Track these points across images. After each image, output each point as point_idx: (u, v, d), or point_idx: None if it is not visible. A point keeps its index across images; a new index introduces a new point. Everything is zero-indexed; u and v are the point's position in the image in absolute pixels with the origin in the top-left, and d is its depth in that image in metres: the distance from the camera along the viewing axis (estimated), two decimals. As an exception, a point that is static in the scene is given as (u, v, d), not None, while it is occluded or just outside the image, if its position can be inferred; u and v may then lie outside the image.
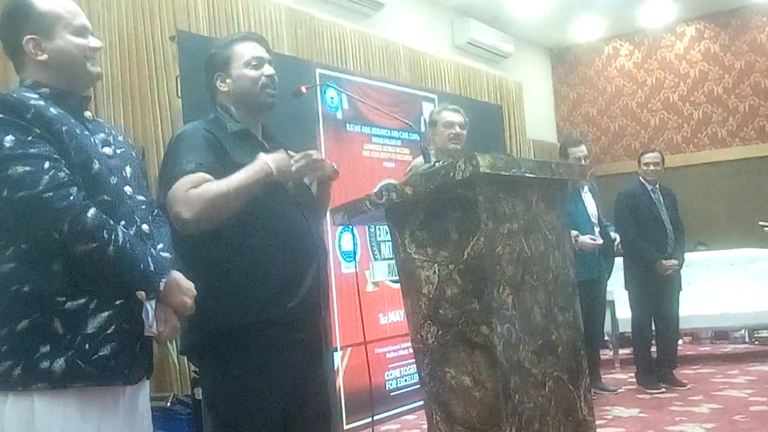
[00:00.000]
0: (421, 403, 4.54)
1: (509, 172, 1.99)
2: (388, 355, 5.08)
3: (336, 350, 4.64)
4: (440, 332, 2.07)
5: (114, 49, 4.21)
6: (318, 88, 4.77)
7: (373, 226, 5.07)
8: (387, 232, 4.61)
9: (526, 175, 2.06)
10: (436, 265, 2.06)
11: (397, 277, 5.40)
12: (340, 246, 4.85)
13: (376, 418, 4.67)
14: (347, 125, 4.97)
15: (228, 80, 2.27)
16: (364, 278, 4.98)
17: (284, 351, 2.15)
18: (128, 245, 1.73)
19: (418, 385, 4.89)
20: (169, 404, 4.09)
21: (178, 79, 4.10)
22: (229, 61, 2.28)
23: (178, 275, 1.86)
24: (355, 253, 4.87)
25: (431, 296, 2.07)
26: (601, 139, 9.40)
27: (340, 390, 4.62)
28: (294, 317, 2.16)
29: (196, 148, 2.09)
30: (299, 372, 2.19)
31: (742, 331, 7.37)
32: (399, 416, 4.95)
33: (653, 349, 5.49)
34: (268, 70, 2.27)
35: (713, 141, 8.73)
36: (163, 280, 1.80)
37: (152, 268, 1.77)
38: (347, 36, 6.03)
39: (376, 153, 5.21)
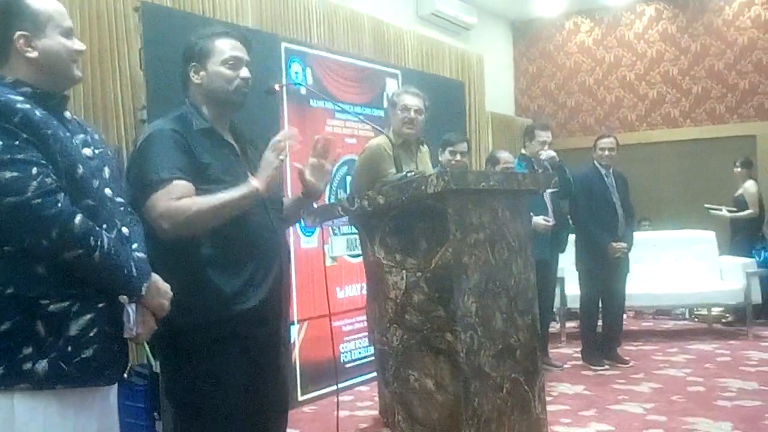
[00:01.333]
0: (374, 374, 4.70)
1: (478, 186, 2.06)
2: (344, 329, 5.18)
3: (293, 323, 4.71)
4: (405, 336, 2.15)
5: (75, 18, 4.10)
6: (283, 62, 4.76)
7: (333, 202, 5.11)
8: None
9: (495, 187, 2.13)
10: (404, 271, 2.13)
11: (354, 252, 5.46)
12: (300, 221, 4.88)
13: (330, 389, 4.78)
14: (311, 101, 4.96)
15: (202, 73, 2.26)
16: (322, 253, 5.03)
17: (245, 346, 2.20)
18: (113, 251, 1.76)
19: (372, 358, 5.02)
20: (126, 375, 4.11)
21: (141, 50, 4.03)
22: (207, 54, 2.26)
23: (156, 278, 1.91)
24: (314, 229, 4.91)
25: (398, 301, 2.15)
26: (558, 114, 9.55)
27: (295, 362, 4.70)
28: (257, 314, 2.20)
29: (168, 152, 2.09)
30: (258, 366, 2.25)
31: (683, 309, 7.66)
32: (353, 387, 5.07)
33: (599, 327, 5.69)
34: (244, 72, 2.26)
35: (666, 121, 8.94)
36: (145, 284, 1.84)
37: (135, 273, 1.81)
38: (312, 5, 5.98)
39: (339, 129, 5.22)
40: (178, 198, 2.03)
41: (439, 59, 7.66)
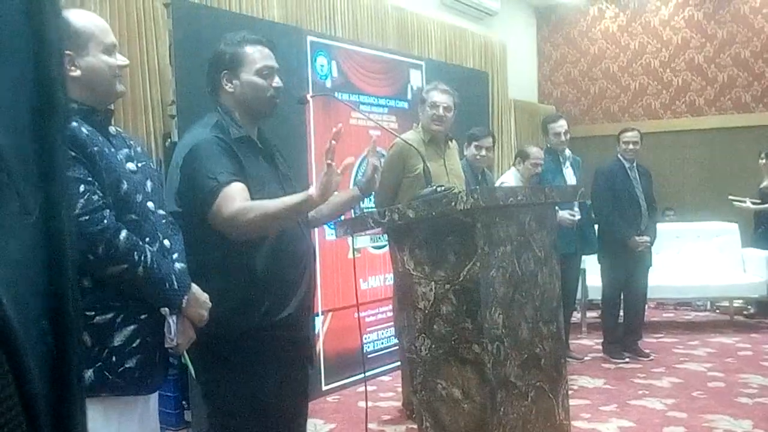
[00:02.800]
0: (397, 364, 4.77)
1: (507, 202, 2.09)
2: (367, 319, 5.25)
3: (317, 315, 4.79)
4: (433, 346, 2.20)
5: (105, 14, 4.15)
6: (309, 55, 4.79)
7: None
8: (370, 200, 4.73)
9: (522, 202, 2.17)
10: (432, 282, 2.18)
11: (377, 244, 5.51)
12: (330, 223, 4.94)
13: (353, 379, 4.87)
14: (336, 93, 4.99)
15: (235, 81, 2.28)
16: (346, 245, 5.09)
17: (280, 351, 2.27)
18: (155, 265, 1.83)
19: (394, 348, 5.08)
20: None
21: (171, 47, 4.09)
22: (239, 62, 2.28)
23: (196, 289, 1.97)
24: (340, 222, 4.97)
25: (427, 312, 2.20)
26: (581, 101, 9.50)
27: (319, 353, 4.79)
28: (291, 321, 2.27)
29: (218, 158, 2.13)
30: (289, 368, 2.32)
31: (705, 300, 7.66)
32: (375, 377, 5.14)
33: (620, 320, 5.72)
34: (277, 82, 2.29)
35: (690, 109, 8.87)
36: (186, 297, 1.91)
37: (176, 287, 1.88)
38: (336, -5, 6.00)
39: (363, 121, 5.25)
40: (241, 200, 2.07)
41: (463, 47, 7.64)
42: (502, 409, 2.14)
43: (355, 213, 5.13)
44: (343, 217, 2.59)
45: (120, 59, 1.95)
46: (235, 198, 2.07)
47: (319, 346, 4.79)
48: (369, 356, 5.23)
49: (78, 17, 1.90)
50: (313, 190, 2.04)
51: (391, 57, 5.63)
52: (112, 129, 1.97)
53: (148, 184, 1.98)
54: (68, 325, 0.42)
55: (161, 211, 2.01)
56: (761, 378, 4.87)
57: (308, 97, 2.61)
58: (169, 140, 4.30)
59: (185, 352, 2.10)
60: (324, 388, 4.78)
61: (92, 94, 1.90)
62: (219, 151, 2.15)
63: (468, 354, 2.12)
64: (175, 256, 2.00)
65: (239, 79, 2.28)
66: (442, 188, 2.15)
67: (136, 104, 4.36)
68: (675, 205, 8.31)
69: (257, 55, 2.29)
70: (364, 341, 5.21)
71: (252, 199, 2.14)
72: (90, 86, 1.89)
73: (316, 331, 4.77)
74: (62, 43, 0.43)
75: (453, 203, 2.03)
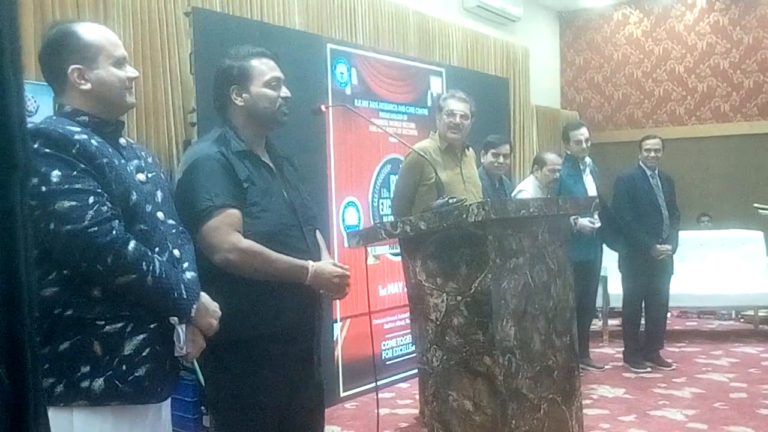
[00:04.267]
0: (415, 371, 4.77)
1: (519, 215, 2.09)
2: (386, 326, 5.25)
3: (336, 321, 4.80)
4: (445, 357, 2.20)
5: (128, 22, 4.21)
6: (329, 63, 4.81)
7: (376, 201, 5.18)
8: (389, 207, 4.73)
9: (535, 214, 2.16)
10: (444, 294, 2.18)
11: (397, 250, 5.53)
12: (344, 220, 4.96)
13: (371, 386, 4.87)
14: (356, 101, 5.01)
15: (245, 95, 2.31)
16: (365, 252, 5.10)
17: (280, 363, 2.27)
18: (164, 275, 1.85)
19: (413, 355, 5.09)
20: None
21: (191, 55, 4.13)
22: (248, 76, 2.31)
23: (206, 298, 1.99)
24: (359, 229, 4.99)
25: (438, 323, 2.20)
26: (604, 107, 9.43)
27: (338, 359, 4.80)
28: (289, 334, 2.27)
29: (216, 178, 2.16)
30: (294, 382, 2.32)
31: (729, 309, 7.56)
32: (393, 384, 5.15)
33: (642, 328, 5.67)
34: (285, 92, 2.33)
35: (716, 115, 8.77)
36: (195, 306, 1.92)
37: (185, 296, 1.90)
38: (358, 1, 6.01)
39: (383, 128, 5.26)
40: (236, 231, 2.12)
41: (485, 52, 7.63)
42: (513, 422, 2.13)
43: (373, 220, 5.16)
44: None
45: (130, 71, 1.98)
46: (227, 225, 2.12)
47: (338, 352, 4.80)
48: (387, 363, 5.24)
49: (87, 31, 1.92)
50: (311, 272, 2.21)
51: (411, 64, 5.64)
52: (122, 140, 1.99)
53: (158, 194, 2.01)
54: (26, 375, 0.43)
55: (171, 221, 2.03)
56: (785, 389, 4.80)
57: (323, 108, 2.62)
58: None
59: (194, 362, 2.12)
60: (342, 394, 4.80)
61: (103, 106, 1.93)
62: (218, 169, 2.18)
63: (479, 366, 2.12)
64: (185, 265, 2.02)
65: (249, 92, 2.31)
66: (454, 200, 2.15)
67: (157, 111, 4.41)
68: (699, 213, 8.21)
69: (264, 67, 2.33)
70: (383, 348, 5.22)
71: (254, 208, 2.18)
72: (100, 99, 1.92)
73: (334, 338, 4.79)
74: (22, 99, 0.44)
75: (464, 215, 2.03)
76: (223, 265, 2.13)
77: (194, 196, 2.15)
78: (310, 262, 2.21)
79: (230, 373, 2.26)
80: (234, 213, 2.13)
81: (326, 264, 2.25)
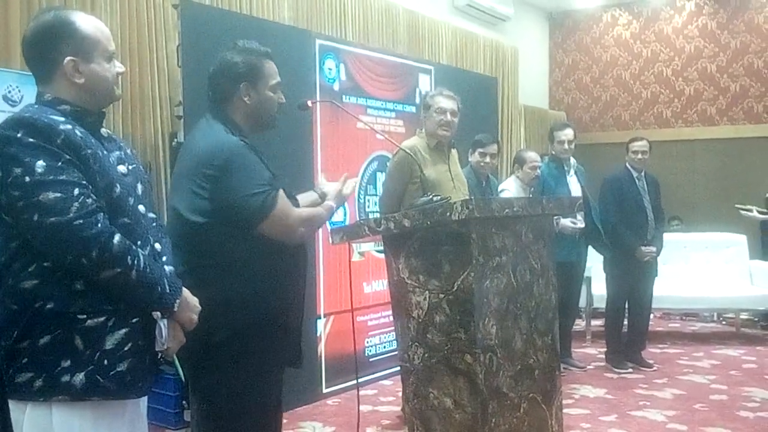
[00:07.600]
0: (398, 369, 4.76)
1: (502, 213, 2.09)
2: (369, 323, 5.25)
3: (319, 317, 4.79)
4: (426, 355, 2.20)
5: (115, 14, 4.19)
6: (317, 58, 4.80)
7: (362, 198, 5.17)
8: (376, 204, 4.72)
9: (519, 213, 2.16)
10: (427, 292, 2.18)
11: (382, 247, 5.53)
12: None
13: (353, 382, 4.86)
14: (344, 97, 5.00)
15: (253, 93, 2.31)
16: (350, 248, 5.09)
17: (278, 353, 2.27)
18: (148, 269, 1.83)
19: (396, 353, 5.09)
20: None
21: (179, 48, 4.11)
22: (260, 76, 2.32)
23: (187, 293, 1.98)
24: (344, 225, 4.98)
25: (420, 320, 2.20)
26: (592, 108, 9.47)
27: (320, 356, 4.79)
28: (284, 323, 2.27)
29: (256, 166, 2.20)
30: (284, 369, 2.33)
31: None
32: (377, 381, 5.15)
33: (625, 329, 5.69)
34: (282, 98, 2.36)
35: (702, 118, 8.82)
36: (178, 300, 1.91)
37: (168, 290, 1.88)
38: (347, -1, 6.01)
39: (371, 125, 5.25)
40: (291, 207, 2.22)
41: (474, 51, 7.64)
42: (493, 420, 2.13)
43: (359, 217, 5.15)
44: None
45: (118, 66, 1.96)
46: (289, 205, 2.21)
47: (321, 348, 4.79)
48: (371, 360, 5.23)
49: (85, 23, 1.89)
50: (331, 202, 2.33)
51: (400, 61, 5.63)
52: (103, 131, 1.97)
53: (139, 187, 1.99)
54: None
55: (151, 215, 2.01)
56: (764, 392, 4.83)
57: (309, 103, 2.61)
58: (175, 140, 4.32)
59: (174, 357, 2.10)
60: (324, 391, 4.79)
61: (91, 98, 1.90)
62: (253, 156, 2.22)
63: (460, 364, 2.12)
64: (164, 258, 2.01)
65: (257, 91, 2.32)
66: (439, 197, 2.15)
67: (143, 104, 4.39)
68: (684, 214, 8.26)
69: (272, 70, 2.36)
70: (367, 345, 5.22)
71: None
72: (91, 92, 1.89)
73: (318, 334, 4.78)
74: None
75: (448, 213, 2.03)
76: (301, 240, 2.24)
77: (249, 186, 2.15)
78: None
79: (227, 369, 2.24)
80: (282, 192, 2.20)
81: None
